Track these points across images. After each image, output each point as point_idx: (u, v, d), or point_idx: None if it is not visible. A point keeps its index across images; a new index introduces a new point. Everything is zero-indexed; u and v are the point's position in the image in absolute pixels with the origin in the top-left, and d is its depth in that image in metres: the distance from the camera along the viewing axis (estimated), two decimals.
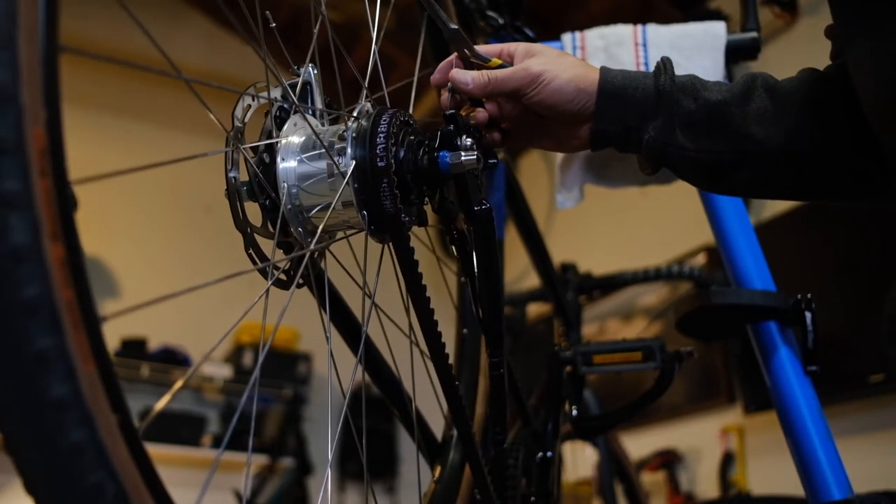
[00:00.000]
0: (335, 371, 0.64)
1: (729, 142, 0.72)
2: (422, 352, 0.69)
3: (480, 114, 0.74)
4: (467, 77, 0.72)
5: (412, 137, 0.63)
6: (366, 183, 0.59)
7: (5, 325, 0.31)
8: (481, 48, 0.75)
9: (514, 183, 1.26)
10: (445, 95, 0.74)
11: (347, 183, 0.59)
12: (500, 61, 0.75)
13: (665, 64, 0.74)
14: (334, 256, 0.68)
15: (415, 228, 0.66)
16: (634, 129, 0.73)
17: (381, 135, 0.59)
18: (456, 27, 0.72)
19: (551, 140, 0.79)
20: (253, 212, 0.61)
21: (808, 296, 1.06)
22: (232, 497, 3.09)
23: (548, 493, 1.03)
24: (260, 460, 3.45)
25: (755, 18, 1.20)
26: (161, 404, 3.03)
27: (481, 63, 0.74)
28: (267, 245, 0.61)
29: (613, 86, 0.73)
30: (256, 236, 0.60)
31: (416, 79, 0.77)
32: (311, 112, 0.65)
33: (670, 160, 0.74)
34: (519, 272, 3.52)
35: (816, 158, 0.72)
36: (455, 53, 0.74)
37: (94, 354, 0.34)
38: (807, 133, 0.72)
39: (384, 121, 0.60)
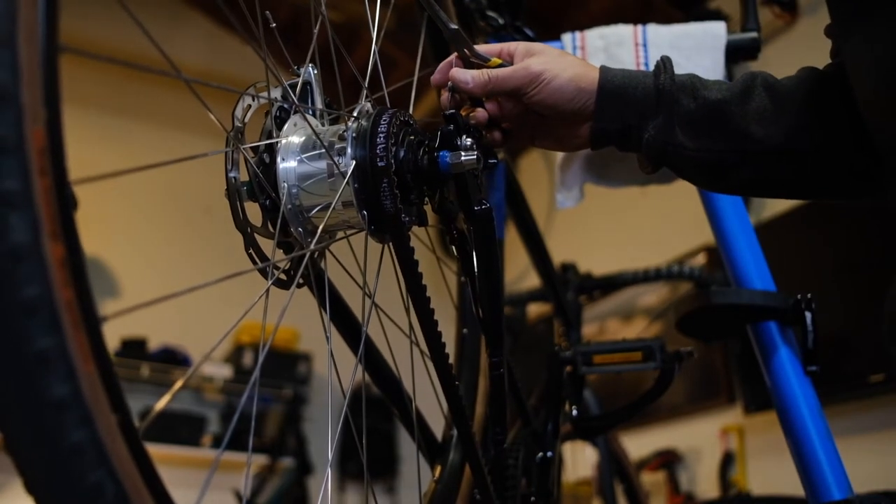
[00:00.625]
0: (335, 371, 0.64)
1: (729, 140, 0.72)
2: (422, 352, 0.69)
3: (480, 113, 0.74)
4: (467, 76, 0.72)
5: (412, 137, 0.63)
6: (366, 183, 0.59)
7: (5, 325, 0.31)
8: (481, 48, 0.75)
9: (514, 183, 1.26)
10: (446, 95, 0.74)
11: (347, 183, 0.59)
12: (500, 60, 0.75)
13: (665, 63, 0.74)
14: (334, 256, 0.68)
15: (415, 228, 0.66)
16: (634, 128, 0.73)
17: (381, 135, 0.59)
18: (456, 27, 0.71)
19: (552, 139, 0.79)
20: (253, 212, 0.61)
21: (808, 296, 1.06)
22: (232, 497, 3.09)
23: (548, 493, 1.03)
24: (260, 460, 3.45)
25: (755, 18, 1.20)
26: (161, 404, 3.03)
27: (481, 62, 0.74)
28: (267, 245, 0.61)
29: (613, 84, 0.73)
30: (256, 236, 0.60)
31: (416, 79, 0.77)
32: (311, 112, 0.65)
33: (670, 159, 0.74)
34: (519, 272, 3.52)
35: (817, 157, 0.72)
36: (455, 53, 0.74)
37: (94, 354, 0.34)
38: (807, 131, 0.72)
39: (384, 121, 0.60)
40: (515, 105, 0.76)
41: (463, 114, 0.73)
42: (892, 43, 0.62)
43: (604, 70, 0.74)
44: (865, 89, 0.65)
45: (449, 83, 0.73)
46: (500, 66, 0.74)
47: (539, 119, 0.77)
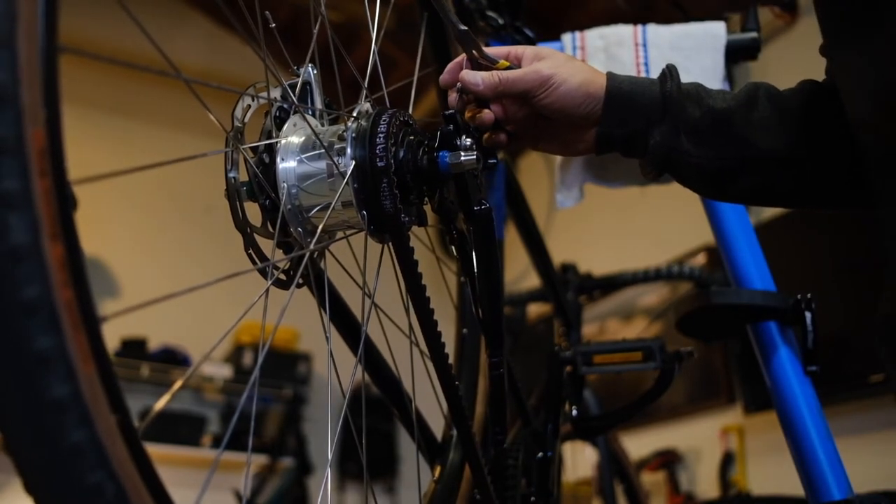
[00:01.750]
0: (335, 371, 0.64)
1: (732, 148, 0.73)
2: (422, 352, 0.69)
3: (486, 115, 0.74)
4: (478, 78, 0.72)
5: (412, 137, 0.63)
6: (365, 183, 0.59)
7: (5, 326, 0.31)
8: (489, 50, 0.75)
9: (514, 183, 1.26)
10: (454, 96, 0.74)
11: (347, 183, 0.59)
12: (508, 63, 0.75)
13: (671, 71, 0.75)
14: (334, 256, 0.68)
15: (415, 228, 0.66)
16: (640, 134, 0.74)
17: (380, 135, 0.59)
18: (465, 28, 0.71)
19: (556, 143, 0.79)
20: (253, 212, 0.61)
21: (808, 296, 1.07)
22: (232, 497, 3.09)
23: (548, 493, 1.03)
24: (260, 460, 3.46)
25: (755, 18, 1.20)
26: (161, 404, 3.03)
27: (489, 64, 0.74)
28: (267, 245, 0.61)
29: (621, 91, 0.73)
30: (256, 236, 0.60)
31: (415, 79, 0.77)
32: (310, 112, 0.65)
33: (674, 165, 0.74)
34: (519, 272, 3.52)
35: (816, 166, 0.74)
36: (464, 54, 0.74)
37: (93, 355, 0.34)
38: (807, 142, 0.73)
39: (384, 121, 0.60)
40: (521, 108, 0.76)
41: (468, 115, 0.73)
42: (878, 65, 0.63)
43: (611, 76, 0.74)
44: (854, 109, 0.67)
45: (458, 84, 0.73)
46: (509, 68, 0.74)
47: (544, 123, 0.77)
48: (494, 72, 0.73)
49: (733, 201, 0.80)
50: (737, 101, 0.74)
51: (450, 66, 0.75)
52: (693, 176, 0.75)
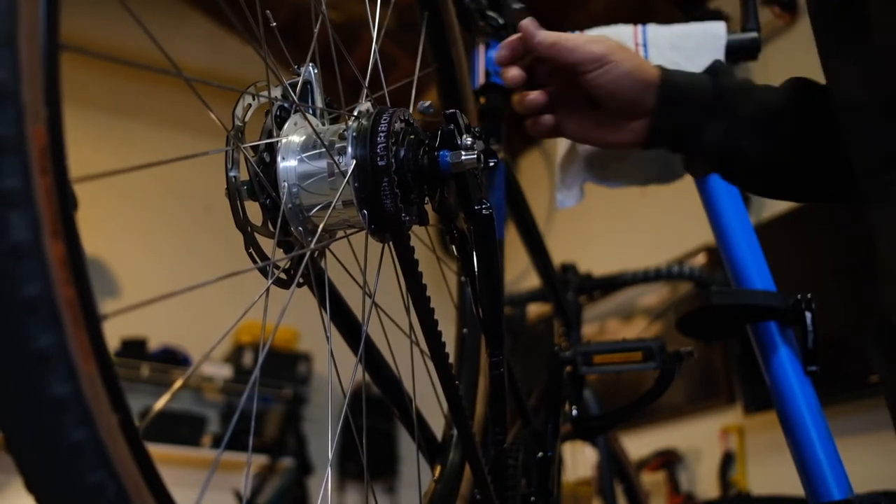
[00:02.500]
0: (335, 371, 0.64)
1: (783, 145, 0.73)
2: (422, 352, 0.69)
3: (534, 97, 0.75)
4: (538, 30, 0.73)
5: (412, 137, 0.63)
6: (366, 182, 0.59)
7: (5, 324, 0.31)
8: (541, 33, 0.76)
9: (514, 183, 1.26)
10: (511, 72, 0.75)
11: (348, 182, 0.59)
12: None
13: (721, 65, 0.75)
14: (334, 256, 0.68)
15: (415, 228, 0.66)
16: (693, 129, 0.73)
17: (381, 134, 0.59)
18: (522, 5, 0.73)
19: (601, 131, 0.79)
20: (253, 211, 0.61)
21: (808, 296, 1.06)
22: (232, 497, 3.09)
23: (548, 493, 1.03)
24: (260, 460, 3.46)
25: (755, 18, 1.20)
26: (161, 404, 3.03)
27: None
28: (267, 244, 0.61)
29: (674, 83, 0.73)
30: (257, 235, 0.60)
31: (416, 78, 0.77)
32: (311, 111, 0.65)
33: (728, 163, 0.74)
34: (519, 272, 3.52)
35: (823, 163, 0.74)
36: (519, 34, 0.76)
37: (94, 353, 0.34)
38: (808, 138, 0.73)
39: (384, 120, 0.60)
40: (568, 91, 0.76)
41: (516, 99, 0.74)
42: (867, 71, 0.64)
43: (663, 69, 0.74)
44: (842, 114, 0.67)
45: (513, 60, 0.75)
46: None
47: (588, 112, 0.77)
48: (553, 32, 0.73)
49: (780, 198, 0.80)
50: (785, 96, 0.74)
51: (506, 41, 0.76)
52: (746, 172, 0.75)
